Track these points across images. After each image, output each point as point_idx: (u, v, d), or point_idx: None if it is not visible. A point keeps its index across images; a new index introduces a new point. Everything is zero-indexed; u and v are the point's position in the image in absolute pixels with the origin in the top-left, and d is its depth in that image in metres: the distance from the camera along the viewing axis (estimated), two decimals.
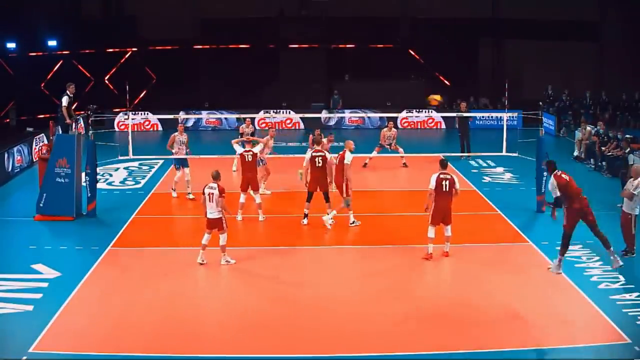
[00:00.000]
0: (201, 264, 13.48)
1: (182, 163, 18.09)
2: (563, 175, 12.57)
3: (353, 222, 15.89)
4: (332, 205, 15.95)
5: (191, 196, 17.98)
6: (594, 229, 12.52)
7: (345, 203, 15.70)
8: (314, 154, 15.90)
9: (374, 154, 21.80)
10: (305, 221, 16.02)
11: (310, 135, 18.55)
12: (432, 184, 13.67)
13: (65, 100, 17.99)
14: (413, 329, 11.05)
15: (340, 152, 15.83)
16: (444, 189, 13.65)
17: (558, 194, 12.49)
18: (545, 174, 16.93)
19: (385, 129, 22.37)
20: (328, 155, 16.05)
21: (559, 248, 12.82)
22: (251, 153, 16.34)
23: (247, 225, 16.29)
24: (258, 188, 16.51)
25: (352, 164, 15.71)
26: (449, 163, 14.34)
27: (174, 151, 18.15)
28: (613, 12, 32.31)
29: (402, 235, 15.45)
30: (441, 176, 13.73)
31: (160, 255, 13.83)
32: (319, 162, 15.80)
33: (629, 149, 17.92)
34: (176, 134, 18.15)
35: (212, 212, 13.38)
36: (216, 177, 13.51)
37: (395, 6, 34.12)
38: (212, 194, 13.32)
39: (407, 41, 34.36)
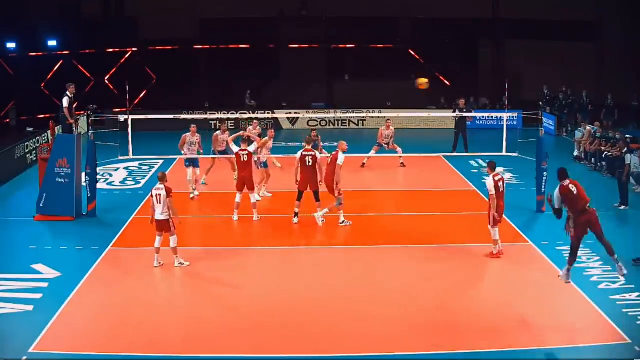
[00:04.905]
0: (157, 267, 13.43)
1: (192, 162, 18.43)
2: (571, 187, 11.59)
3: (343, 222, 15.94)
4: (322, 204, 16.04)
5: (196, 192, 18.54)
6: (600, 239, 11.74)
7: (338, 202, 15.79)
8: (304, 153, 16.03)
9: (372, 153, 21.72)
10: (295, 220, 16.13)
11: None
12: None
13: (65, 101, 18.03)
14: (412, 329, 11.05)
15: (333, 152, 15.89)
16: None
17: (559, 205, 11.63)
18: (545, 174, 17.00)
19: (383, 128, 22.25)
20: (318, 155, 16.21)
21: (567, 257, 11.99)
22: (246, 152, 16.37)
23: (242, 225, 16.32)
24: (254, 187, 16.51)
25: (344, 164, 15.81)
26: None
27: (183, 152, 18.48)
28: (613, 12, 32.31)
29: (398, 235, 15.47)
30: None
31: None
32: (309, 162, 15.94)
33: (626, 149, 17.95)
34: (188, 134, 18.39)
35: (160, 214, 13.31)
36: (162, 178, 13.51)
37: (395, 6, 34.11)
38: (160, 195, 13.25)
39: (407, 41, 34.37)
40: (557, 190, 11.69)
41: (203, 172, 19.39)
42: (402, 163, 22.09)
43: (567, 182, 11.70)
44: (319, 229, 15.92)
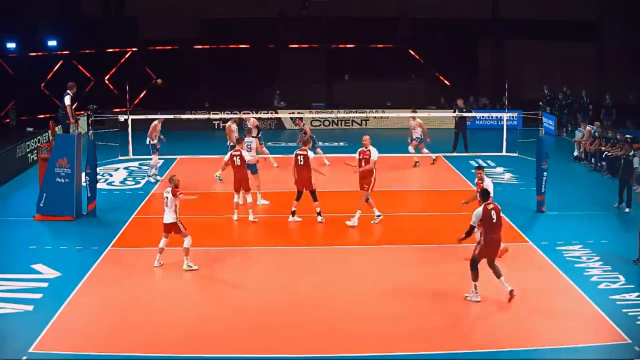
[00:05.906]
0: (157, 266, 13.50)
1: (157, 149, 20.12)
2: (492, 213, 11.72)
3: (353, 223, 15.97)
4: (320, 203, 16.14)
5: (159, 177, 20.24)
6: (491, 264, 11.86)
7: (368, 199, 15.95)
8: (297, 152, 16.16)
9: (424, 150, 21.85)
10: (291, 218, 16.19)
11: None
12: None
13: (68, 99, 18.02)
14: (412, 329, 11.06)
15: (366, 150, 15.91)
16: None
17: (474, 223, 11.91)
18: (545, 174, 16.98)
19: (410, 118, 22.10)
20: (310, 154, 16.18)
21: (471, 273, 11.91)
22: (239, 155, 16.28)
23: (242, 225, 16.33)
24: (249, 188, 16.50)
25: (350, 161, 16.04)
26: None
27: (153, 140, 19.80)
28: (613, 12, 32.29)
29: (399, 235, 15.48)
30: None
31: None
32: (300, 160, 16.01)
33: (633, 152, 17.83)
34: (157, 123, 19.91)
35: (167, 217, 13.34)
36: (171, 181, 13.52)
37: (395, 6, 34.12)
38: (167, 197, 13.32)
39: (407, 41, 34.35)
40: (480, 208, 11.88)
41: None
42: (416, 163, 22.14)
43: (491, 205, 11.86)
44: (319, 229, 15.93)
